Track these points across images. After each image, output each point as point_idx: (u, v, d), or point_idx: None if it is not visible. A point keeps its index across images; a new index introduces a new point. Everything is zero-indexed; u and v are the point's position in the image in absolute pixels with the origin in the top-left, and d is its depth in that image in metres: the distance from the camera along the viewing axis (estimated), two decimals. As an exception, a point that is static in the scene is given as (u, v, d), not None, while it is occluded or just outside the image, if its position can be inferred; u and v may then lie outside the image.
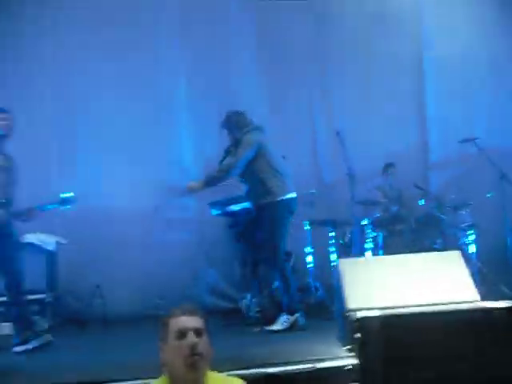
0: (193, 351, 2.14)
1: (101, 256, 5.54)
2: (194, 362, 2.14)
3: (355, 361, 2.86)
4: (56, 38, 5.93)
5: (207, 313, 2.57)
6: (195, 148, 6.28)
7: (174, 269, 5.75)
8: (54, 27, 5.96)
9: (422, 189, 5.97)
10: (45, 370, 3.40)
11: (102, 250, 5.56)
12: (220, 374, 2.36)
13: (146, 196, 5.78)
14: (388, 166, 6.23)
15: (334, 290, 4.95)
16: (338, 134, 5.33)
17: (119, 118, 5.91)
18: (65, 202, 4.24)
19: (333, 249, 5.70)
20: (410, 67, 6.74)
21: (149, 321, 5.15)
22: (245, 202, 5.08)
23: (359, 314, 2.66)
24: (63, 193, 4.25)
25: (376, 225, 5.67)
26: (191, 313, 2.25)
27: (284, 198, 4.49)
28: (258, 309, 4.95)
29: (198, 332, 2.20)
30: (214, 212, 5.26)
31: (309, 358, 3.14)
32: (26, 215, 4.13)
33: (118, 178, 5.68)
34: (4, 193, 4.08)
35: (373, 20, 6.43)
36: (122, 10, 6.05)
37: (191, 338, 2.17)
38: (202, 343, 2.19)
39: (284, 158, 4.83)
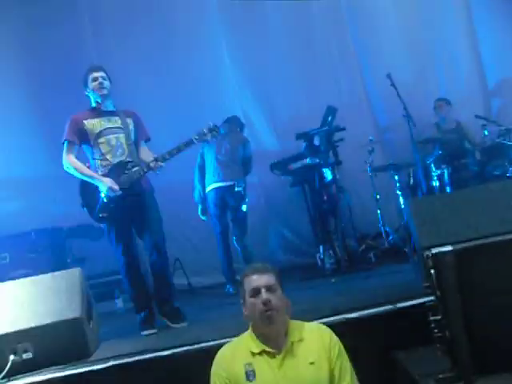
0: (266, 307, 2.31)
1: (176, 229, 5.73)
2: (269, 317, 2.31)
3: (433, 297, 2.90)
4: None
5: (283, 270, 2.69)
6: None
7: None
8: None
9: (483, 118, 5.77)
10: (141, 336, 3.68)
11: (177, 224, 5.75)
12: (303, 322, 2.50)
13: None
14: (437, 101, 6.08)
15: (405, 232, 5.02)
16: (388, 76, 5.22)
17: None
18: None
19: (399, 192, 5.68)
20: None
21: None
22: (304, 158, 5.16)
23: (433, 251, 2.69)
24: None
25: (439, 162, 5.57)
26: (262, 270, 2.40)
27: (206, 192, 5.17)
28: (332, 260, 5.05)
29: (270, 288, 2.35)
30: (276, 172, 5.37)
31: (387, 300, 3.24)
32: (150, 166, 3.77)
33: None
34: (129, 153, 3.80)
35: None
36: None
37: (264, 294, 2.33)
38: (275, 298, 2.34)
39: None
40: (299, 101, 6.26)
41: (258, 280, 2.37)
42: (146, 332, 3.67)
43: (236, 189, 5.06)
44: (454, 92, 6.23)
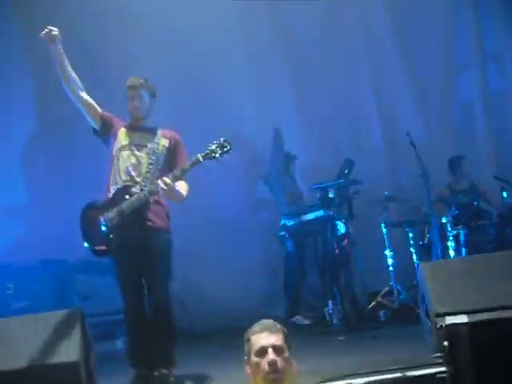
0: (272, 368, 2.19)
1: (181, 272, 5.62)
2: (274, 379, 2.19)
3: (445, 368, 2.77)
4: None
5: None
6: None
7: (253, 280, 5.83)
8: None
9: (502, 180, 5.68)
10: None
11: (182, 266, 5.65)
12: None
13: (224, 206, 5.90)
14: (453, 159, 5.99)
15: (417, 292, 4.88)
16: (408, 134, 5.22)
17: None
18: None
19: (413, 249, 5.56)
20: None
21: (231, 333, 5.24)
22: (318, 210, 5.11)
23: (447, 320, 2.58)
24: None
25: (456, 222, 5.46)
26: (271, 329, 2.29)
27: None
28: (340, 316, 4.92)
29: (277, 349, 2.23)
30: (290, 222, 5.30)
31: (397, 366, 3.10)
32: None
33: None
34: (145, 177, 3.40)
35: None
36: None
37: (271, 355, 2.21)
38: (282, 360, 2.22)
39: None
40: (317, 151, 6.26)
41: (265, 339, 2.25)
42: None
43: None
44: (468, 150, 6.20)
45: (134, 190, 3.36)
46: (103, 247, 3.39)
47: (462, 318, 2.60)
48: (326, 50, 6.38)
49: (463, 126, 6.54)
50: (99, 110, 3.56)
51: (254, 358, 2.25)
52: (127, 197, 3.34)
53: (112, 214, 3.35)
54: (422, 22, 6.41)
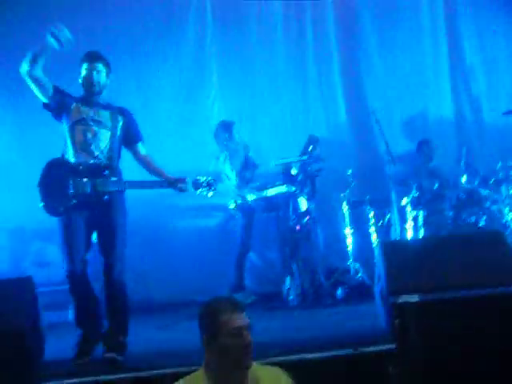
0: (248, 350, 2.09)
1: (143, 246, 5.54)
2: (248, 361, 2.10)
3: (395, 345, 2.82)
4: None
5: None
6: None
7: (214, 254, 5.78)
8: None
9: (464, 164, 5.73)
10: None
11: (145, 241, 5.57)
12: (260, 364, 2.28)
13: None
14: (422, 143, 6.03)
15: (374, 271, 4.95)
16: (372, 112, 5.21)
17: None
18: None
19: (373, 229, 5.61)
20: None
21: (188, 306, 5.22)
22: (280, 185, 5.09)
23: (399, 299, 2.61)
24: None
25: (416, 204, 5.53)
26: (242, 308, 2.17)
27: None
28: (298, 292, 4.94)
29: (249, 329, 2.12)
30: (251, 197, 5.26)
31: (349, 342, 3.14)
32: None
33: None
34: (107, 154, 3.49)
35: None
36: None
37: (247, 337, 2.09)
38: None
39: None
40: (286, 128, 6.21)
41: (240, 319, 2.11)
42: (79, 361, 3.24)
43: None
44: (434, 132, 6.24)
45: (106, 172, 3.41)
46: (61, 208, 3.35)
47: (414, 298, 2.64)
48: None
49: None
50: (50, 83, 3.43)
51: (227, 340, 2.09)
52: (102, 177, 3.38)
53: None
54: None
